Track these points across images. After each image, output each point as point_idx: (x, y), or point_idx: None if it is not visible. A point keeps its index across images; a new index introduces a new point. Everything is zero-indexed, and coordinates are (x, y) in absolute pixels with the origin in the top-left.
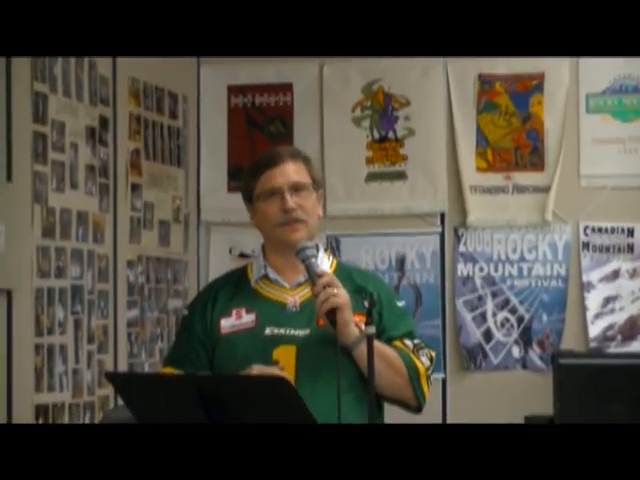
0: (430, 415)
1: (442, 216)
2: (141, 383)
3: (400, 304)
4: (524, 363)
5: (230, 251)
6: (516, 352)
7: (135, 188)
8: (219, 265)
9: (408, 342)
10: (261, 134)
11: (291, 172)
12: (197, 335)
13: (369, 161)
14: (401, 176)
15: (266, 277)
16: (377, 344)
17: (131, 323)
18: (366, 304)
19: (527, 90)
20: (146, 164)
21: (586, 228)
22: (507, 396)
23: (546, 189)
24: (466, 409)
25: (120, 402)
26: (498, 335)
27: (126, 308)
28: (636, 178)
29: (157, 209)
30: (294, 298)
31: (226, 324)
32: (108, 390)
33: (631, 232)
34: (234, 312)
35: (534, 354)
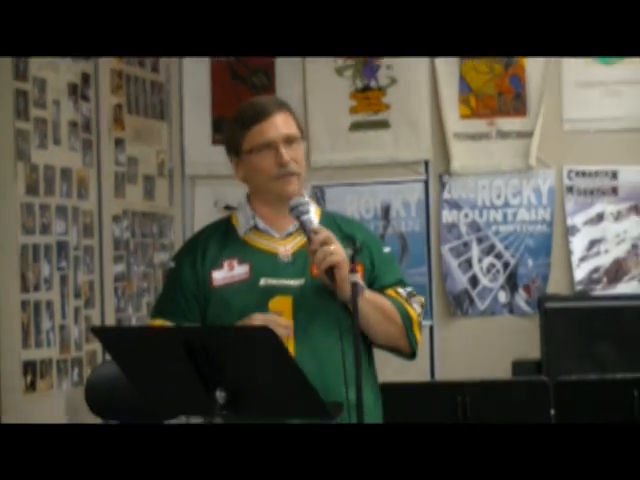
0: (418, 362)
1: (426, 164)
2: (127, 336)
3: (387, 250)
4: (511, 308)
5: (215, 204)
6: (502, 297)
7: (118, 143)
8: (204, 218)
9: (401, 290)
10: (244, 86)
11: (282, 124)
12: (188, 287)
13: (352, 111)
14: (384, 125)
15: (255, 228)
16: (373, 296)
17: (117, 278)
18: (349, 251)
19: None
20: (129, 119)
21: (570, 172)
22: (494, 341)
23: (529, 134)
24: (454, 355)
25: (108, 358)
26: (484, 281)
27: (112, 263)
28: (619, 121)
29: (141, 164)
30: (285, 248)
31: (218, 276)
32: (96, 345)
33: (615, 175)
34: (226, 264)
35: (520, 299)
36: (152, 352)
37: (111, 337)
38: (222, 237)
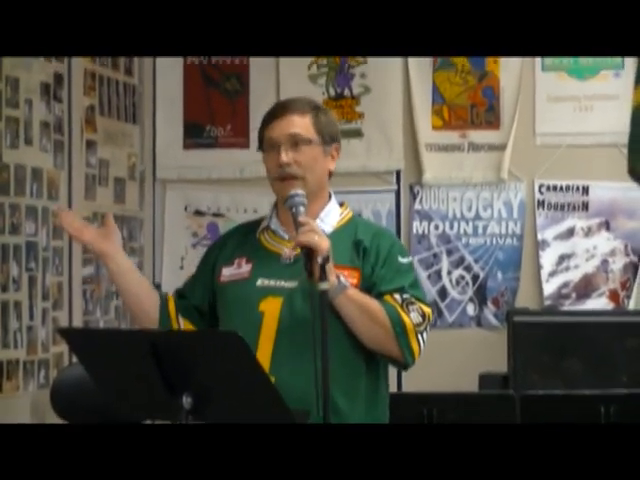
0: None
1: (398, 174)
2: (94, 338)
3: (404, 260)
4: (479, 321)
5: (186, 208)
6: (471, 310)
7: (90, 145)
8: (174, 222)
9: (397, 296)
10: (217, 91)
11: (292, 125)
12: (202, 279)
13: None
14: (357, 134)
15: (269, 228)
16: (359, 296)
17: (86, 280)
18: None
19: None
20: (101, 120)
21: (541, 186)
22: (462, 354)
23: (502, 147)
24: (421, 367)
25: (75, 360)
26: (453, 293)
27: (81, 265)
28: (591, 136)
29: (112, 166)
30: (290, 250)
31: (226, 273)
32: (62, 347)
33: (586, 190)
34: (236, 261)
35: (489, 312)
36: (118, 355)
37: (78, 338)
38: (244, 234)
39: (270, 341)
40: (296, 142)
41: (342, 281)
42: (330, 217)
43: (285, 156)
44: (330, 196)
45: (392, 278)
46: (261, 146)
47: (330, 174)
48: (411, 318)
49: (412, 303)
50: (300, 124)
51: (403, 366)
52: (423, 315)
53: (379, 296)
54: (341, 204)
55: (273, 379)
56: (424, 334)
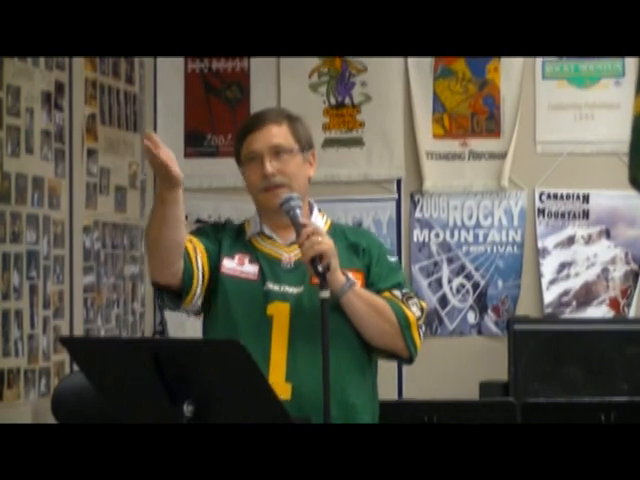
0: (385, 381)
1: (398, 182)
2: (95, 347)
3: (392, 259)
4: (479, 329)
5: (186, 217)
6: (471, 318)
7: (91, 153)
8: None
9: (397, 292)
10: (218, 99)
11: (271, 135)
12: (206, 244)
13: (326, 127)
14: (358, 142)
15: (262, 233)
16: (365, 292)
17: (87, 289)
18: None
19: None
20: (102, 129)
21: (542, 194)
22: (462, 362)
23: (502, 155)
24: (421, 375)
25: (76, 368)
26: (454, 301)
27: (82, 274)
28: (592, 144)
29: (113, 174)
30: (289, 255)
31: (228, 265)
32: (64, 356)
33: (586, 198)
34: (237, 257)
35: (489, 320)
36: (120, 363)
37: (79, 347)
38: (236, 234)
39: (283, 348)
40: (278, 152)
41: (350, 278)
42: (318, 221)
43: (270, 166)
44: (311, 204)
45: (387, 275)
46: (238, 160)
47: (309, 180)
48: (413, 312)
49: (411, 297)
50: (279, 134)
51: (408, 360)
52: (421, 309)
53: (378, 293)
54: (318, 211)
55: (290, 386)
56: (423, 327)
